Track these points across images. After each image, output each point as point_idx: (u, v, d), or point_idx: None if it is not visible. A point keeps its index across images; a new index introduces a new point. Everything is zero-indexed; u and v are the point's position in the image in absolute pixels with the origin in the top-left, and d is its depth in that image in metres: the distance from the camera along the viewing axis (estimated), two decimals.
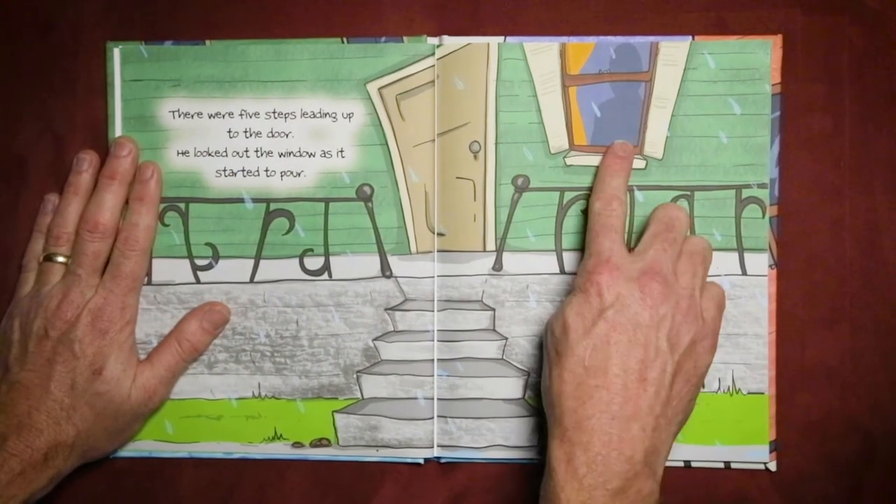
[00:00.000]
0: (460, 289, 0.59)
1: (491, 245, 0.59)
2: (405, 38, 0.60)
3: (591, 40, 0.59)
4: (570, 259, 0.59)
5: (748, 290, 0.59)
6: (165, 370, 0.58)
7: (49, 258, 0.58)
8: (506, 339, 0.60)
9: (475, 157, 0.59)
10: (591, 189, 0.58)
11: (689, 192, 0.59)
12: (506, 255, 0.59)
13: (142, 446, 0.61)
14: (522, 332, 0.59)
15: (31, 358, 0.55)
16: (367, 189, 0.60)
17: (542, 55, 0.59)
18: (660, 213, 0.55)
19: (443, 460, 0.60)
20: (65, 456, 0.54)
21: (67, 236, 0.58)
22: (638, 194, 0.59)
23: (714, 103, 0.59)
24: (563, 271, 0.59)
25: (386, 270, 0.60)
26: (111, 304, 0.57)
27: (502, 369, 0.59)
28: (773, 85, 0.58)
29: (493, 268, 0.59)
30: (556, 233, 0.59)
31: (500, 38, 0.59)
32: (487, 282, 0.59)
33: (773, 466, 0.59)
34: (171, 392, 0.60)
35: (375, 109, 0.60)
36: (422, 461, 0.60)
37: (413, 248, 0.60)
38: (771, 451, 0.59)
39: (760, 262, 0.59)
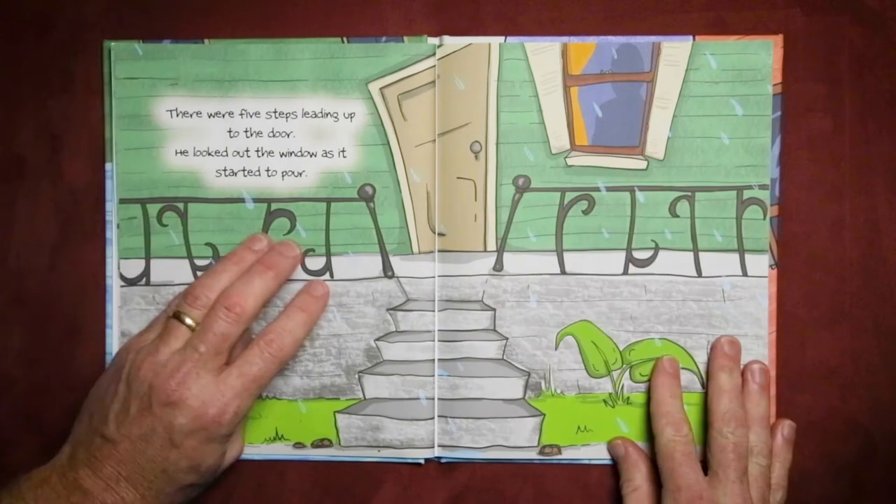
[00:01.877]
0: (461, 289, 0.59)
1: (492, 245, 0.59)
2: (406, 38, 0.60)
3: (593, 40, 0.59)
4: (571, 260, 0.59)
5: (749, 290, 0.59)
6: (240, 434, 0.58)
7: (179, 317, 0.54)
8: (506, 339, 0.59)
9: (476, 157, 0.59)
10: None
11: (690, 193, 0.59)
12: (506, 256, 0.59)
13: None
14: (523, 333, 0.59)
15: (129, 423, 0.52)
16: (368, 189, 0.60)
17: (544, 55, 0.59)
18: (725, 433, 0.56)
19: (443, 460, 0.60)
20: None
21: (206, 300, 0.54)
22: (639, 195, 0.59)
23: (716, 104, 0.59)
24: (563, 272, 0.59)
25: (388, 270, 0.60)
26: (228, 408, 0.52)
27: (503, 369, 0.59)
28: (774, 85, 0.59)
29: (494, 268, 0.59)
30: (557, 233, 0.59)
31: (501, 38, 0.59)
32: (488, 282, 0.59)
33: None
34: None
35: (377, 109, 0.59)
36: (422, 461, 0.60)
37: (415, 249, 0.60)
38: None
39: (761, 263, 0.59)
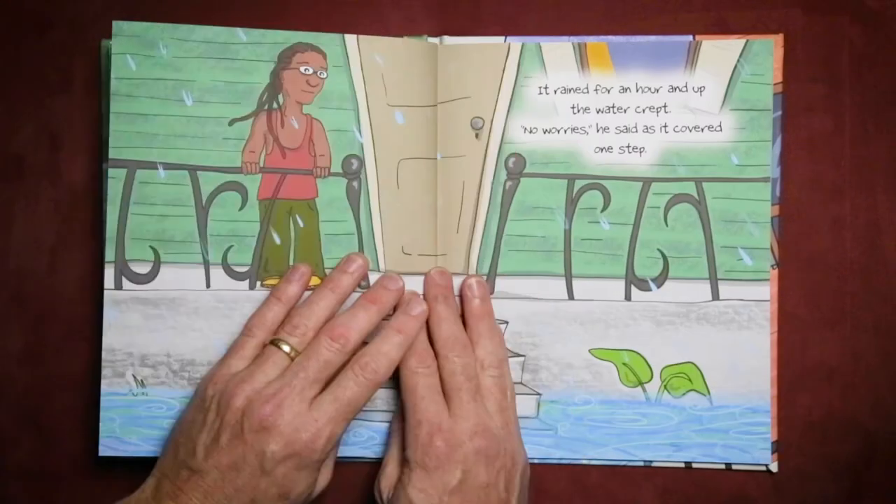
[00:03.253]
0: None
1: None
2: (405, 38, 0.59)
3: (596, 40, 0.59)
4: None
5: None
6: (332, 460, 0.57)
7: (277, 344, 0.54)
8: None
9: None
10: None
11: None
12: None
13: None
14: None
15: (219, 452, 0.51)
16: None
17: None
18: (448, 351, 0.56)
19: None
20: None
21: (305, 330, 0.54)
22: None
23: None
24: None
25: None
26: (321, 433, 0.52)
27: None
28: (776, 84, 0.59)
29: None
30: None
31: (501, 39, 0.59)
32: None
33: (774, 468, 0.59)
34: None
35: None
36: None
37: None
38: (772, 452, 0.59)
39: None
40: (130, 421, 0.59)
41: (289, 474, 0.51)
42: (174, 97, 0.58)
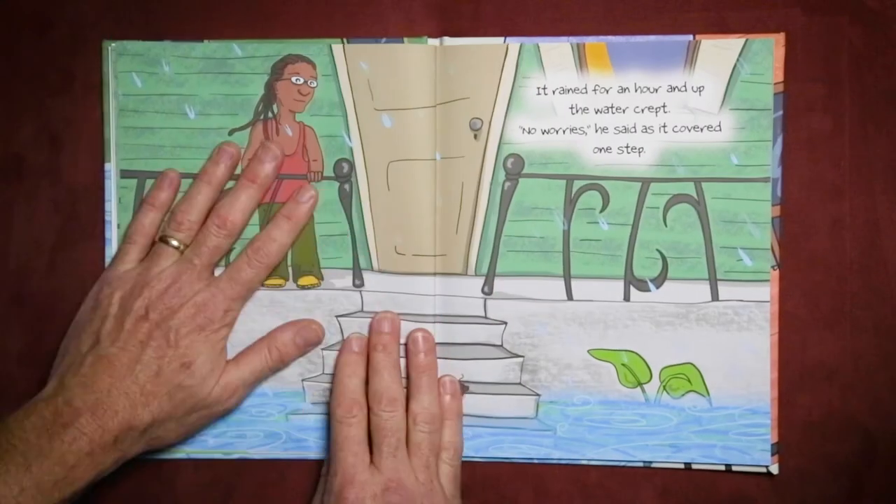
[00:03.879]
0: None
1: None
2: (405, 39, 0.60)
3: (595, 40, 0.59)
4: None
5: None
6: (250, 374, 0.58)
7: (165, 240, 0.57)
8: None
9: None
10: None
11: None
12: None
13: None
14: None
15: (124, 336, 0.54)
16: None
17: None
18: (378, 409, 0.57)
19: None
20: (133, 440, 0.54)
21: (189, 224, 0.57)
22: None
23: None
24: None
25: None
26: (218, 303, 0.56)
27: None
28: (776, 84, 0.58)
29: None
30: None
31: (500, 39, 0.59)
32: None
33: (774, 469, 0.59)
34: (249, 395, 0.60)
35: None
36: None
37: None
38: (773, 454, 0.59)
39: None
40: None
41: (192, 345, 0.55)
42: (178, 111, 0.60)
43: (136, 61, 0.60)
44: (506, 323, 0.59)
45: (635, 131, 0.59)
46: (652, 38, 0.59)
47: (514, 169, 0.59)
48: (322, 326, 0.60)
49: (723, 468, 0.59)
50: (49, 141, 0.61)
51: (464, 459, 0.60)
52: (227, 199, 0.58)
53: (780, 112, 0.59)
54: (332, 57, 0.60)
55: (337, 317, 0.60)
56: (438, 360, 0.59)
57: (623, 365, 0.59)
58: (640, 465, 0.60)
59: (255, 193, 0.58)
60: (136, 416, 0.53)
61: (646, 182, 0.59)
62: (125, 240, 0.59)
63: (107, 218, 0.61)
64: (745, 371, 0.59)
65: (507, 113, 0.59)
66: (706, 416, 0.59)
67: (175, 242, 0.57)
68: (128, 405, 0.53)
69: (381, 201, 0.60)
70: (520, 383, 0.60)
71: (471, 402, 0.60)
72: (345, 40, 0.60)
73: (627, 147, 0.59)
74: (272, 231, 0.58)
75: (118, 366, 0.53)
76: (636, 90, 0.59)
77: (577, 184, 0.59)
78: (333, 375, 0.59)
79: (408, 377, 0.59)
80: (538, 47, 0.59)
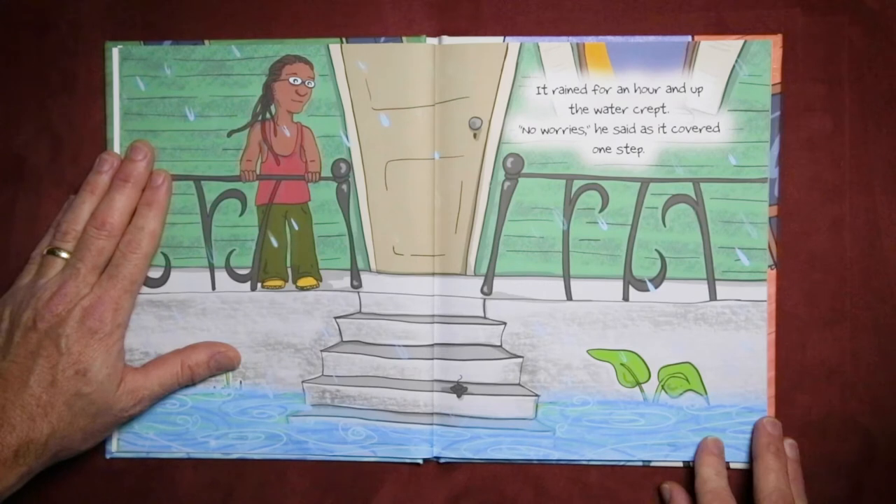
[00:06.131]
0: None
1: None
2: (405, 39, 0.60)
3: (595, 40, 0.59)
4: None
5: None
6: (159, 386, 0.58)
7: (52, 252, 0.57)
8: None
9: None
10: None
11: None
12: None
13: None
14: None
15: (14, 349, 0.54)
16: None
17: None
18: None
19: (442, 460, 0.60)
20: (37, 454, 0.53)
21: (75, 233, 0.57)
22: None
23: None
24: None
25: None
26: (104, 303, 0.56)
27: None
28: (774, 85, 0.58)
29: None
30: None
31: (499, 39, 0.59)
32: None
33: None
34: (153, 405, 0.60)
35: None
36: (421, 461, 0.60)
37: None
38: None
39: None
40: (146, 417, 0.61)
41: (85, 351, 0.54)
42: (178, 113, 0.61)
43: (140, 65, 0.60)
44: (505, 323, 0.59)
45: (634, 131, 0.59)
46: (651, 38, 0.59)
47: (514, 168, 0.59)
48: (239, 354, 0.60)
49: None
50: (50, 141, 0.61)
51: (464, 460, 0.60)
52: (104, 202, 0.58)
53: (778, 113, 0.59)
54: (330, 57, 0.60)
55: (335, 318, 0.60)
56: (438, 361, 0.59)
57: (622, 365, 0.59)
58: (640, 464, 0.60)
59: (130, 192, 0.58)
60: (34, 428, 0.53)
61: (645, 182, 0.59)
62: (28, 261, 0.59)
63: None
64: (743, 370, 0.59)
65: (506, 112, 0.59)
66: (704, 415, 0.59)
67: (63, 253, 0.57)
68: (25, 418, 0.52)
69: (380, 201, 0.60)
70: (519, 384, 0.60)
71: (470, 403, 0.60)
72: (343, 40, 0.60)
73: (626, 147, 0.59)
74: (138, 221, 0.58)
75: (11, 379, 0.53)
76: (635, 90, 0.59)
77: (577, 184, 0.59)
78: (696, 472, 0.58)
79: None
80: (538, 47, 0.59)
